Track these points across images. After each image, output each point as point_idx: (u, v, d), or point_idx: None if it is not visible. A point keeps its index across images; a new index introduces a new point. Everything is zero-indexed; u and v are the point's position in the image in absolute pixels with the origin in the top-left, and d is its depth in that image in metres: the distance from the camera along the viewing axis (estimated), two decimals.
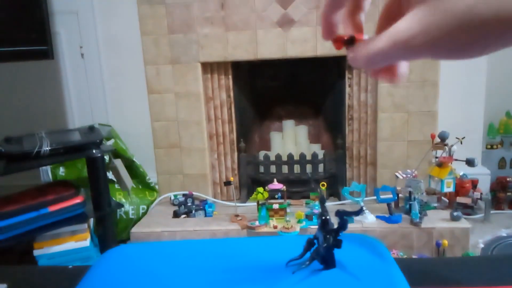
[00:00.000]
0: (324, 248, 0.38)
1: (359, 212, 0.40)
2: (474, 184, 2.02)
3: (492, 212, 1.98)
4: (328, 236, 0.37)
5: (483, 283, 0.47)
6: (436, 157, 1.86)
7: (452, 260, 0.57)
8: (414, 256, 1.63)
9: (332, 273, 0.37)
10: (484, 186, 2.16)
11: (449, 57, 0.26)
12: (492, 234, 1.74)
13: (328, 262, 0.38)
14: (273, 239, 0.47)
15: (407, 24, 0.26)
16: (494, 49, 0.25)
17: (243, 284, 0.36)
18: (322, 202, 0.39)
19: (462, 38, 0.24)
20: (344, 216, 0.37)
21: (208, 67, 2.02)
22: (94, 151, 1.46)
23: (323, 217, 0.38)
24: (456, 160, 1.79)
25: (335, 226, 0.37)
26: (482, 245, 1.63)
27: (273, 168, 2.09)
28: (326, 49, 1.90)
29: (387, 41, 0.27)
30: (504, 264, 0.53)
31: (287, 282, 0.36)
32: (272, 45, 1.91)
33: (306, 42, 1.90)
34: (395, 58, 0.28)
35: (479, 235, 1.73)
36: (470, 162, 1.75)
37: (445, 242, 1.56)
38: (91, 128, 1.56)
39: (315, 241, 0.39)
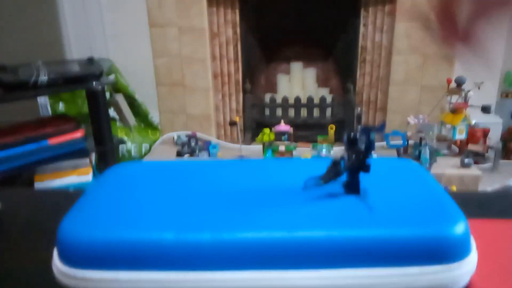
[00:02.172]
0: (348, 171, 0.32)
1: (382, 127, 0.33)
2: (485, 133, 1.97)
3: (501, 161, 1.94)
4: (354, 157, 0.31)
5: None
6: (451, 103, 1.78)
7: (479, 194, 0.52)
8: None
9: (354, 199, 0.32)
10: (496, 135, 2.10)
11: None
12: (500, 183, 1.72)
13: (351, 187, 0.32)
14: (295, 161, 0.41)
15: None
16: None
17: (245, 201, 0.31)
18: (358, 119, 0.33)
19: None
20: (370, 135, 0.31)
21: (214, 1, 1.89)
22: (94, 83, 1.38)
23: (351, 135, 0.31)
24: (471, 106, 1.72)
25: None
26: None
27: (279, 111, 2.02)
28: None
29: None
30: None
31: (297, 201, 0.31)
32: None
33: None
34: None
35: (487, 184, 1.71)
36: (485, 109, 1.69)
37: (454, 187, 1.54)
38: (91, 60, 1.48)
39: (342, 162, 0.33)
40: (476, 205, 0.45)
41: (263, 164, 0.40)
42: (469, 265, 0.28)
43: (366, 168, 0.32)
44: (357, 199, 0.31)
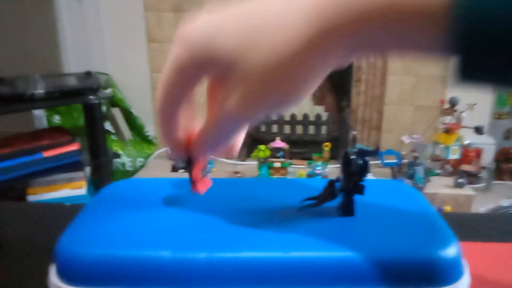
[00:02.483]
0: (343, 192, 0.33)
1: (376, 151, 0.34)
2: (478, 153, 1.99)
3: (494, 182, 1.96)
4: (349, 179, 0.32)
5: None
6: (444, 124, 1.81)
7: (476, 215, 0.53)
8: None
9: (347, 221, 0.32)
10: (489, 156, 2.12)
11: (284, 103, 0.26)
12: (493, 204, 1.73)
13: (345, 209, 0.33)
14: (291, 181, 0.42)
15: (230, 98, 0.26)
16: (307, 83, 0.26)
17: (242, 220, 0.32)
18: (353, 141, 0.34)
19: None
20: (365, 157, 0.32)
21: None
22: (91, 97, 1.39)
23: (347, 156, 0.32)
24: (464, 127, 1.75)
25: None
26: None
27: (274, 128, 2.03)
28: None
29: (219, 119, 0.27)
30: None
31: (292, 221, 0.31)
32: None
33: None
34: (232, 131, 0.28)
35: (480, 204, 1.72)
36: (478, 130, 1.71)
37: (448, 208, 1.54)
38: (88, 74, 1.48)
39: (337, 183, 0.34)
40: (469, 226, 0.45)
41: (258, 183, 0.41)
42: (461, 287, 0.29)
43: (360, 190, 0.32)
44: (351, 220, 0.32)
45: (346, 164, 0.32)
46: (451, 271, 0.29)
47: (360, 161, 0.31)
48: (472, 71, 0.21)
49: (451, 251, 0.29)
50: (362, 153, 0.31)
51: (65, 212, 0.47)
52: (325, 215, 0.33)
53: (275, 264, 0.28)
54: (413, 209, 0.34)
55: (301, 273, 0.27)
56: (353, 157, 0.32)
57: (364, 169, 0.31)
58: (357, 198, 0.33)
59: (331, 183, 0.34)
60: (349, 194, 0.33)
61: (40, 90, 1.32)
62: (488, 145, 2.13)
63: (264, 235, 0.29)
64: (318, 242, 0.29)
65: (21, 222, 0.48)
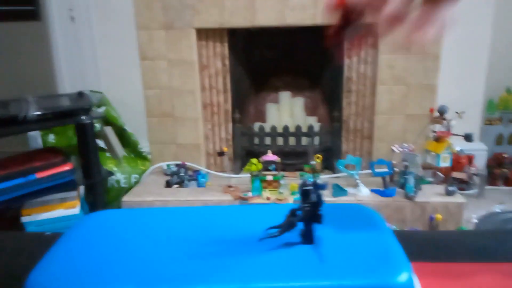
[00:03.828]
0: (303, 221, 0.34)
1: (324, 186, 0.36)
2: (470, 160, 2.00)
3: (487, 188, 1.97)
4: (307, 209, 0.34)
5: (480, 258, 0.44)
6: (434, 132, 1.83)
7: (447, 233, 0.54)
8: (407, 229, 1.63)
9: (306, 249, 0.34)
10: (481, 162, 2.14)
11: None
12: (486, 210, 1.74)
13: (305, 237, 0.35)
14: (260, 207, 0.44)
15: None
16: None
17: (205, 252, 0.33)
18: (314, 172, 0.36)
19: None
20: (319, 190, 0.34)
21: (203, 34, 1.95)
22: (83, 117, 1.41)
23: (304, 187, 0.34)
24: (454, 135, 1.76)
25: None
26: (475, 220, 1.63)
27: (268, 140, 2.05)
28: (325, 17, 1.82)
29: None
30: (500, 239, 0.50)
31: (253, 252, 0.33)
32: (270, 12, 1.84)
33: (305, 9, 1.83)
34: None
35: (473, 210, 1.73)
36: (468, 137, 1.73)
37: (439, 216, 1.55)
38: (81, 94, 1.51)
39: (299, 212, 0.36)
40: (433, 245, 0.47)
41: (224, 212, 0.42)
42: None
43: (318, 219, 0.34)
44: (310, 249, 0.34)
45: (304, 195, 0.34)
46: None
47: (315, 193, 0.33)
48: None
49: (401, 278, 0.31)
50: (315, 185, 0.33)
51: (44, 242, 0.49)
52: (286, 244, 0.34)
53: None
54: (370, 234, 0.36)
55: None
56: (310, 188, 0.34)
57: (319, 200, 0.33)
58: (318, 225, 0.35)
59: (293, 212, 0.36)
60: (308, 223, 0.34)
61: (33, 112, 1.34)
62: (480, 151, 2.14)
63: (226, 266, 0.31)
64: (275, 273, 0.30)
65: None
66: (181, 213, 0.42)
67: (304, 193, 0.34)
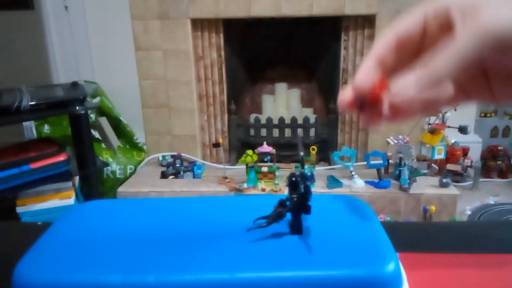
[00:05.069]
0: (291, 212, 0.34)
1: (312, 176, 0.35)
2: (465, 152, 2.01)
3: (481, 180, 1.98)
4: (295, 199, 0.34)
5: (470, 249, 0.45)
6: (429, 124, 1.83)
7: (439, 224, 0.55)
8: (400, 221, 1.64)
9: (294, 239, 0.34)
10: (475, 154, 2.15)
11: None
12: (479, 202, 1.75)
13: (294, 227, 0.35)
14: (252, 198, 0.44)
15: (493, 13, 0.24)
16: None
17: (193, 242, 0.33)
18: (301, 162, 0.36)
19: None
20: (307, 180, 0.33)
21: (199, 24, 1.93)
22: (77, 108, 1.40)
23: (293, 178, 0.34)
24: (449, 127, 1.77)
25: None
26: (469, 212, 1.64)
27: (263, 132, 2.05)
28: (322, 8, 1.82)
29: (449, 58, 0.25)
30: (492, 230, 0.51)
31: (240, 242, 0.33)
32: (266, 3, 1.83)
33: (301, 0, 1.81)
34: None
35: (466, 202, 1.74)
36: (462, 129, 1.73)
37: (433, 208, 1.56)
38: (74, 84, 1.50)
39: (287, 202, 0.36)
40: (424, 236, 0.47)
41: (215, 202, 0.42)
42: None
43: (307, 210, 0.34)
44: (298, 239, 0.34)
45: (292, 186, 0.34)
46: (387, 287, 0.30)
47: (303, 184, 0.33)
48: None
49: (389, 268, 0.31)
50: (303, 176, 0.33)
51: (37, 232, 0.49)
52: (274, 235, 0.34)
53: (222, 286, 0.29)
54: (358, 225, 0.36)
55: None
56: (298, 179, 0.34)
57: (306, 190, 0.33)
58: (308, 216, 0.35)
59: (281, 203, 0.36)
60: (296, 214, 0.34)
61: (26, 103, 1.33)
62: (474, 144, 2.15)
63: (212, 256, 0.31)
64: (263, 263, 0.30)
65: None
66: (172, 204, 0.41)
67: (292, 184, 0.34)
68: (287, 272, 0.30)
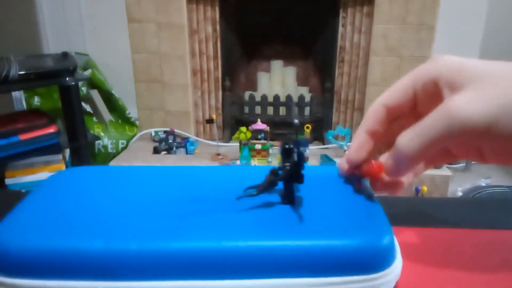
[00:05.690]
0: (283, 181, 0.33)
1: (306, 142, 0.34)
2: None
3: (473, 162, 1.99)
4: (288, 168, 0.32)
5: (462, 225, 0.44)
6: None
7: (431, 200, 0.54)
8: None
9: (286, 209, 0.32)
10: None
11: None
12: (471, 183, 1.76)
13: (286, 197, 0.33)
14: (244, 168, 0.42)
15: (465, 99, 0.25)
16: None
17: (179, 210, 0.32)
18: (296, 129, 0.34)
19: None
20: (301, 146, 0.32)
21: None
22: (67, 79, 1.37)
23: (286, 145, 0.32)
24: None
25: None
26: (460, 194, 1.65)
27: (258, 109, 2.03)
28: None
29: (442, 120, 0.25)
30: (484, 207, 0.50)
31: (229, 210, 0.32)
32: None
33: None
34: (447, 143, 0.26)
35: (458, 184, 1.75)
36: None
37: (425, 188, 1.57)
38: (65, 55, 1.45)
39: (280, 172, 0.34)
40: (417, 211, 0.46)
41: (204, 171, 0.40)
42: (392, 274, 0.30)
43: (300, 180, 0.32)
44: (290, 209, 0.32)
45: (285, 154, 0.32)
46: (382, 258, 0.29)
47: (296, 152, 0.31)
48: None
49: (383, 239, 0.30)
50: (297, 143, 0.31)
51: (20, 199, 0.47)
52: (265, 204, 0.33)
53: (207, 254, 0.28)
54: (353, 197, 0.35)
55: (232, 262, 0.28)
56: (291, 146, 0.32)
57: (300, 158, 0.32)
58: (301, 186, 0.33)
59: (274, 171, 0.34)
60: (289, 183, 0.33)
61: (15, 72, 1.29)
62: None
63: (198, 224, 0.30)
64: (251, 231, 0.29)
65: None
66: (160, 172, 0.40)
67: (285, 152, 0.32)
68: (276, 241, 0.28)
